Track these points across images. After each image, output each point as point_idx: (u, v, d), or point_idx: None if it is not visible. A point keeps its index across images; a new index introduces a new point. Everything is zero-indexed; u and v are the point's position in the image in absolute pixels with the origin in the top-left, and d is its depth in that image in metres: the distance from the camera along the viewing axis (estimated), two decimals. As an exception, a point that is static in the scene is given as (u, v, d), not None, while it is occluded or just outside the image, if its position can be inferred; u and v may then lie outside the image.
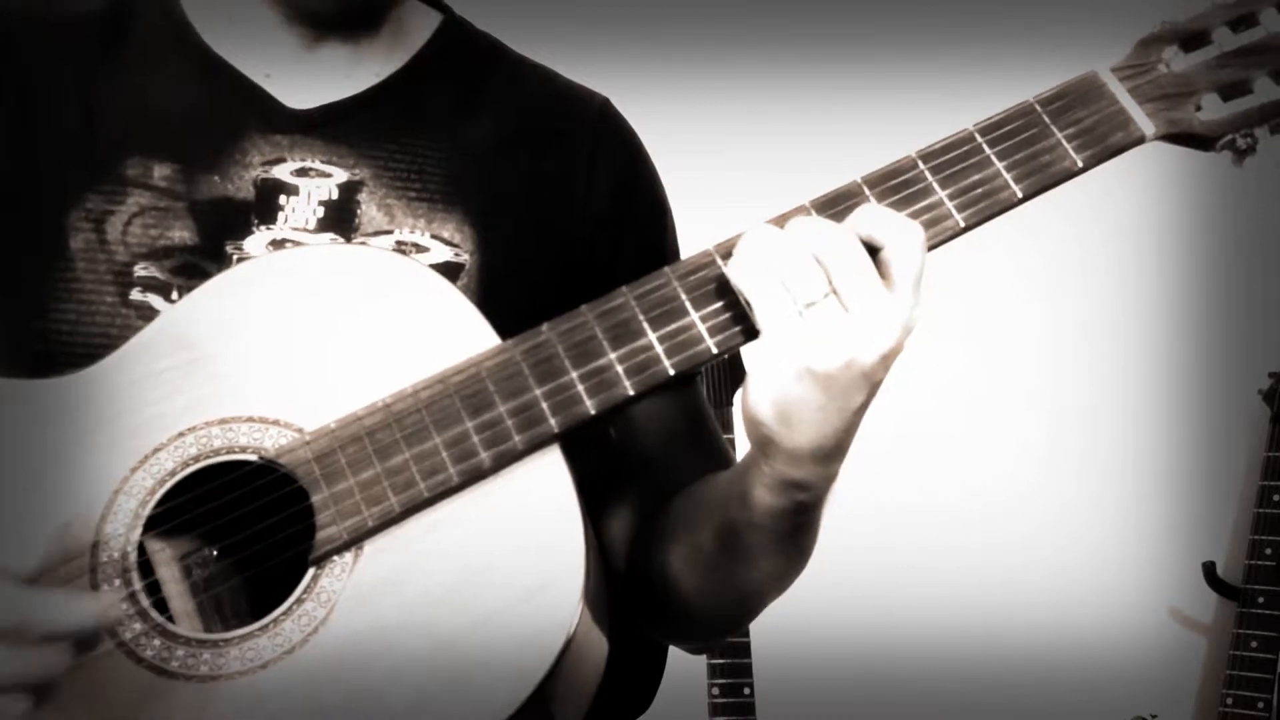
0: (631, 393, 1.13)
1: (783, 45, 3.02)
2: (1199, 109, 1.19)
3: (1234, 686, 2.86)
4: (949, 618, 3.02)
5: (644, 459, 1.37)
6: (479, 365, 1.14)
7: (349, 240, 1.28)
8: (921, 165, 1.16)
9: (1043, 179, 1.17)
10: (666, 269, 1.15)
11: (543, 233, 1.34)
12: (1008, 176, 1.16)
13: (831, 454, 1.13)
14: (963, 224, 1.16)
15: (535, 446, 1.13)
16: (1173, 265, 3.09)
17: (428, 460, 1.12)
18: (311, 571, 1.11)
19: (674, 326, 1.14)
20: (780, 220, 1.12)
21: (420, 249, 1.29)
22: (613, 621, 1.19)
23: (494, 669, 1.07)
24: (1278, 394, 2.92)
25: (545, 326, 1.15)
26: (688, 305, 1.14)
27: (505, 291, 1.28)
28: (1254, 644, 2.85)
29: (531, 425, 1.13)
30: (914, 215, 1.15)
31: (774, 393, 1.09)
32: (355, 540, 1.11)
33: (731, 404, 2.73)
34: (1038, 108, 1.18)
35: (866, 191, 1.15)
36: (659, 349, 1.14)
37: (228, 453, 1.14)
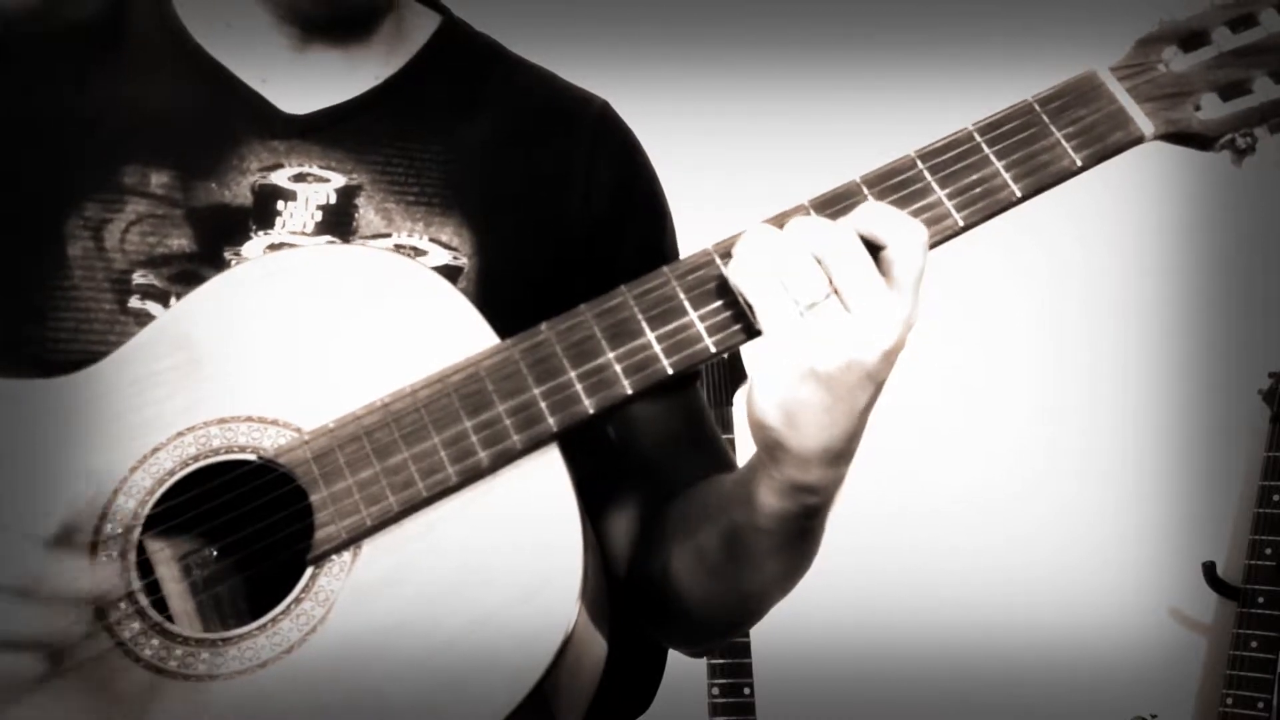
0: (630, 392, 1.13)
1: (781, 45, 3.02)
2: (1198, 108, 1.19)
3: (1234, 686, 2.86)
4: (949, 618, 3.02)
5: (643, 460, 1.37)
6: (477, 365, 1.14)
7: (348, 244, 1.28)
8: (920, 165, 1.16)
9: (1042, 178, 1.17)
10: (665, 269, 1.15)
11: (541, 235, 1.34)
12: (1006, 176, 1.16)
13: (840, 455, 1.13)
14: (962, 223, 1.16)
15: (534, 446, 1.13)
16: (1173, 265, 3.09)
17: (426, 460, 1.12)
18: (310, 571, 1.11)
19: (673, 326, 1.14)
20: (779, 220, 1.12)
21: (419, 252, 1.29)
22: (612, 621, 1.19)
23: (492, 669, 1.07)
24: (1278, 394, 2.92)
25: (544, 326, 1.15)
26: (686, 305, 1.14)
27: (504, 294, 1.28)
28: (1254, 644, 2.85)
29: (530, 425, 1.13)
30: (913, 215, 1.14)
31: (779, 395, 1.09)
32: (354, 539, 1.11)
33: (731, 404, 2.73)
34: (1037, 107, 1.18)
35: (865, 191, 1.15)
36: (657, 348, 1.14)
37: (226, 452, 1.14)
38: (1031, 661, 3.01)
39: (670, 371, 1.13)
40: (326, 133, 1.30)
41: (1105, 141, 1.18)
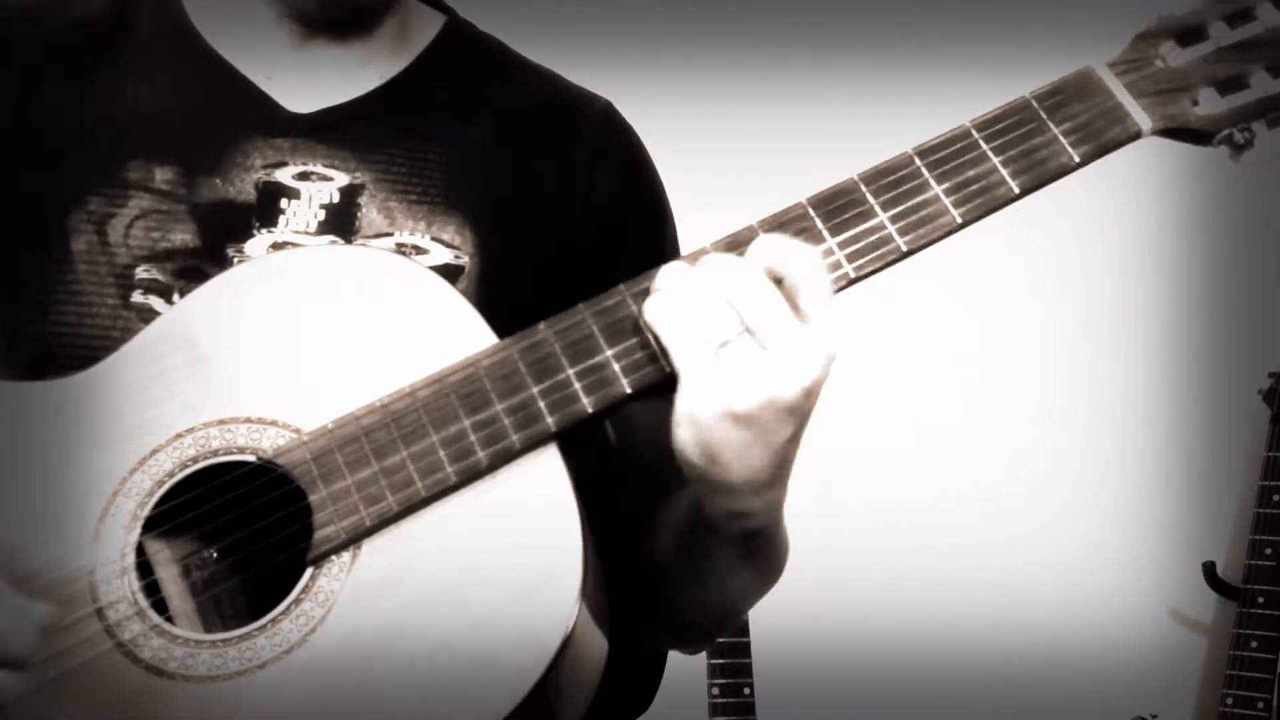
0: (629, 390, 1.13)
1: (781, 44, 3.02)
2: (1196, 103, 1.19)
3: (1234, 686, 2.86)
4: (949, 618, 3.02)
5: (643, 460, 1.36)
6: (476, 364, 1.14)
7: (349, 243, 1.28)
8: (918, 161, 1.16)
9: (1040, 174, 1.17)
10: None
11: (543, 235, 1.34)
12: (1004, 172, 1.16)
13: (767, 484, 1.14)
14: (959, 220, 1.16)
15: (533, 445, 1.13)
16: (1172, 264, 3.09)
17: (425, 459, 1.12)
18: (309, 571, 1.10)
19: None
20: (693, 257, 1.13)
21: (420, 251, 1.29)
22: (612, 620, 1.19)
23: (492, 668, 1.07)
24: (1278, 394, 2.92)
25: (542, 325, 1.15)
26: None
27: (506, 294, 1.28)
28: (1254, 644, 2.85)
29: (529, 424, 1.13)
30: (911, 211, 1.15)
31: (697, 434, 1.10)
32: (353, 540, 1.11)
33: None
34: (1034, 103, 1.18)
35: (863, 188, 1.15)
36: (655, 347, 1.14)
37: (226, 453, 1.14)
38: (1031, 661, 3.01)
39: (669, 370, 1.13)
40: (330, 131, 1.31)
41: (1103, 137, 1.18)
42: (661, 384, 1.14)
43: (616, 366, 1.13)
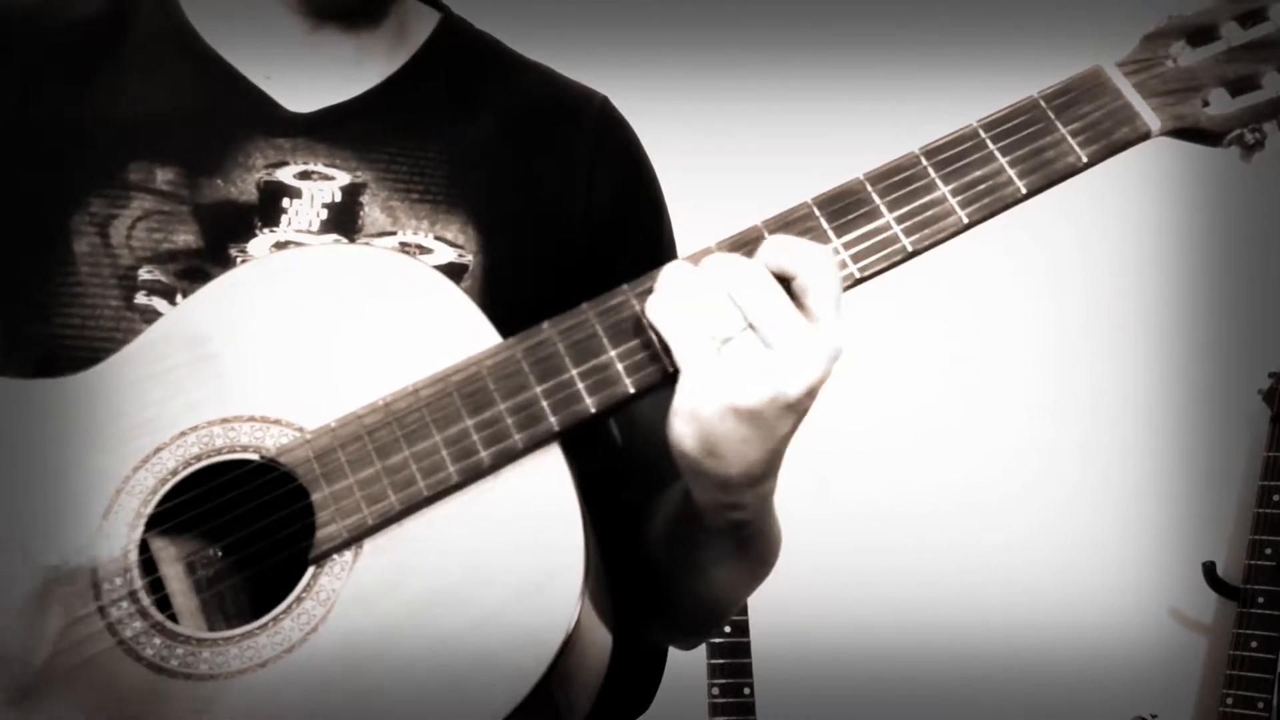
0: (632, 390, 1.13)
1: (783, 43, 3.02)
2: (1206, 104, 1.19)
3: (1234, 686, 2.86)
4: (949, 617, 3.03)
5: (646, 460, 1.36)
6: (479, 363, 1.14)
7: (352, 242, 1.28)
8: (925, 161, 1.16)
9: (1047, 175, 1.16)
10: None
11: (544, 234, 1.34)
12: (1011, 172, 1.16)
13: (761, 477, 1.14)
14: (966, 220, 1.15)
15: (535, 445, 1.12)
16: (1173, 264, 3.09)
17: (428, 459, 1.12)
18: (311, 570, 1.10)
19: None
20: (697, 256, 1.13)
21: (424, 250, 1.29)
22: (616, 619, 1.19)
23: (493, 668, 1.07)
24: (1278, 394, 2.93)
25: (546, 324, 1.15)
26: None
27: (509, 292, 1.28)
28: (1254, 644, 2.85)
29: (531, 423, 1.12)
30: (917, 211, 1.15)
31: (697, 428, 1.10)
32: (355, 538, 1.11)
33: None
34: (1042, 103, 1.18)
35: (869, 188, 1.15)
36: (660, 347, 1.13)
37: (229, 452, 1.13)
38: (1031, 661, 3.01)
39: (672, 369, 1.13)
40: (331, 131, 1.30)
41: (1111, 137, 1.17)
42: (664, 383, 1.14)
43: (620, 366, 1.13)
